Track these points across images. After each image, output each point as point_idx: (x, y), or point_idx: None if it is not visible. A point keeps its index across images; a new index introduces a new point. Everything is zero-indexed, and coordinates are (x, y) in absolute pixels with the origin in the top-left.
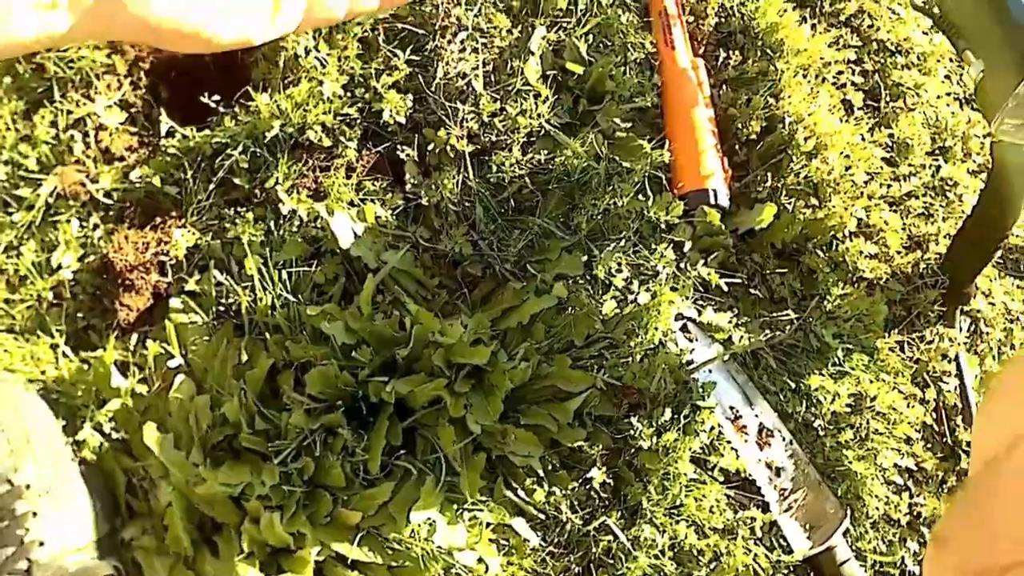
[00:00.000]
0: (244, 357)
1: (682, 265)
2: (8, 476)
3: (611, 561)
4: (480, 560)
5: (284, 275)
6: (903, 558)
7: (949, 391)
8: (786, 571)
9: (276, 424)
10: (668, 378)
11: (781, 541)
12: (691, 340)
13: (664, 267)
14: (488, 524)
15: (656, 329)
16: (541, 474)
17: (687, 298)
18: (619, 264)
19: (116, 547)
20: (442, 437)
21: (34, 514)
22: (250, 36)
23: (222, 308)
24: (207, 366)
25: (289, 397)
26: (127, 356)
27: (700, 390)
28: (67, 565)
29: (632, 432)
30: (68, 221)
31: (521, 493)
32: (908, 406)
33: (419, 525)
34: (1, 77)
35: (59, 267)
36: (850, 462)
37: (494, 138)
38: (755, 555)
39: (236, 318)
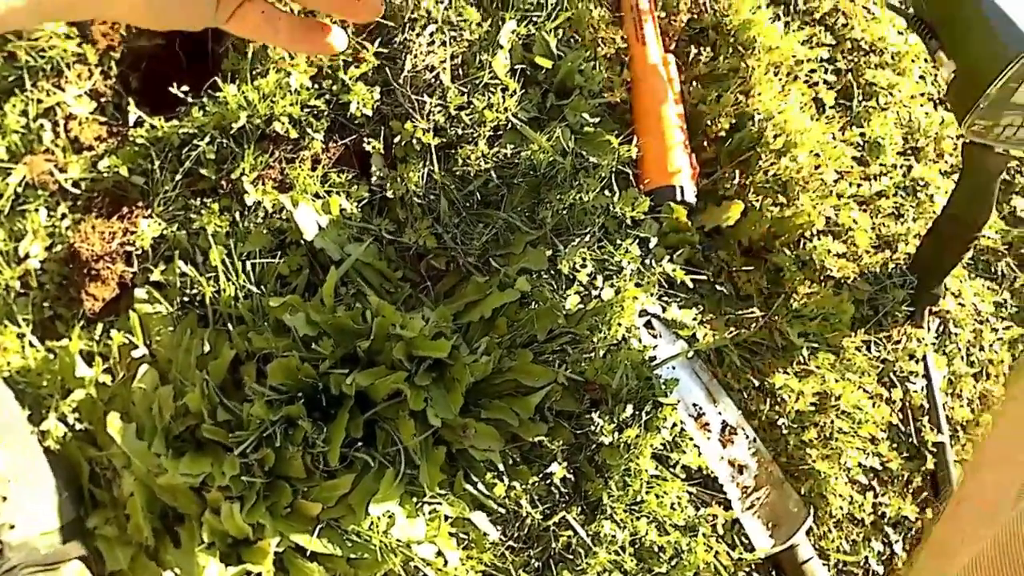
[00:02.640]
0: (207, 347)
1: (647, 261)
2: None
3: (571, 556)
4: (439, 553)
5: (248, 266)
6: (867, 557)
7: (916, 391)
8: (748, 569)
9: (237, 415)
10: (631, 374)
11: (743, 539)
12: (655, 336)
13: (629, 263)
14: (447, 517)
15: (619, 325)
16: (501, 468)
17: (652, 294)
18: (584, 259)
19: (82, 534)
20: (402, 430)
21: (3, 498)
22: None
23: (186, 299)
24: (171, 356)
25: (251, 388)
26: (92, 346)
27: (663, 387)
28: (39, 546)
29: (593, 428)
30: (36, 210)
31: (481, 487)
32: (874, 405)
33: (378, 518)
34: None
35: (26, 256)
36: (814, 461)
37: (460, 131)
38: (716, 552)
39: (200, 308)
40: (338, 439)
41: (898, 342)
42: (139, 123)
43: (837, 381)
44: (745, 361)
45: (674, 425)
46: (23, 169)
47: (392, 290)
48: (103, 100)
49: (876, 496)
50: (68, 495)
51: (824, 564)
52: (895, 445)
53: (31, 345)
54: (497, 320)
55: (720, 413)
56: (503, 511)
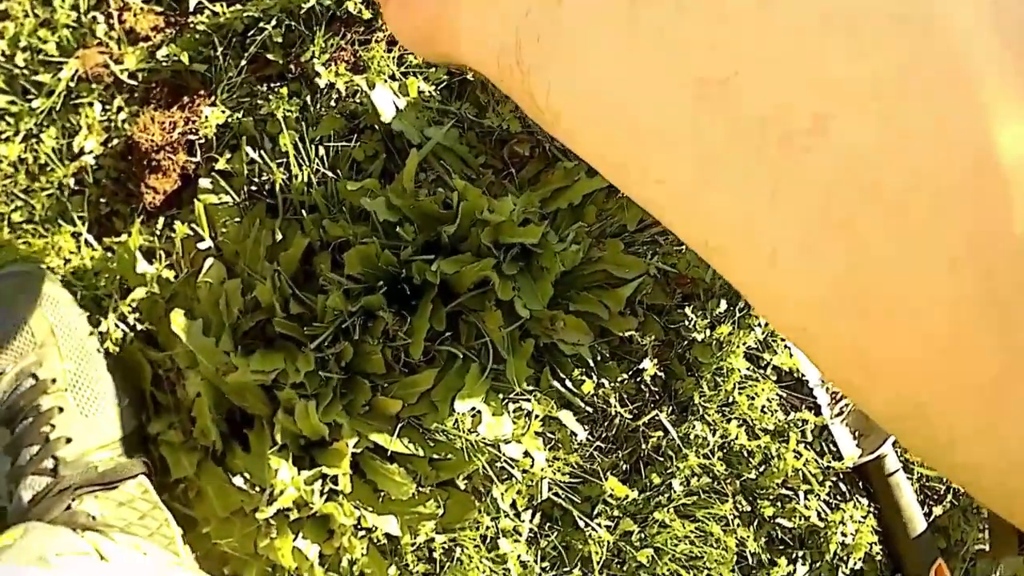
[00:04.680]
0: (278, 237)
1: None
2: (33, 370)
3: (660, 459)
4: (526, 454)
5: (321, 151)
6: None
7: None
8: (835, 479)
9: (312, 308)
10: None
11: (831, 447)
12: None
13: None
14: (534, 416)
15: None
16: (590, 364)
17: None
18: None
19: (143, 444)
20: (488, 322)
21: (60, 410)
22: None
23: (254, 188)
24: (238, 249)
25: (326, 278)
26: (153, 242)
27: None
28: (95, 462)
29: (686, 323)
30: (91, 104)
31: (569, 384)
32: None
33: (463, 415)
34: None
35: (81, 152)
36: None
37: None
38: (805, 460)
39: (269, 198)
40: (421, 331)
41: None
42: (199, 9)
43: None
44: None
45: (767, 323)
46: (76, 63)
47: (474, 176)
48: None
49: None
50: (129, 403)
51: (908, 478)
52: None
53: (87, 244)
54: (586, 208)
55: None
56: (590, 410)
